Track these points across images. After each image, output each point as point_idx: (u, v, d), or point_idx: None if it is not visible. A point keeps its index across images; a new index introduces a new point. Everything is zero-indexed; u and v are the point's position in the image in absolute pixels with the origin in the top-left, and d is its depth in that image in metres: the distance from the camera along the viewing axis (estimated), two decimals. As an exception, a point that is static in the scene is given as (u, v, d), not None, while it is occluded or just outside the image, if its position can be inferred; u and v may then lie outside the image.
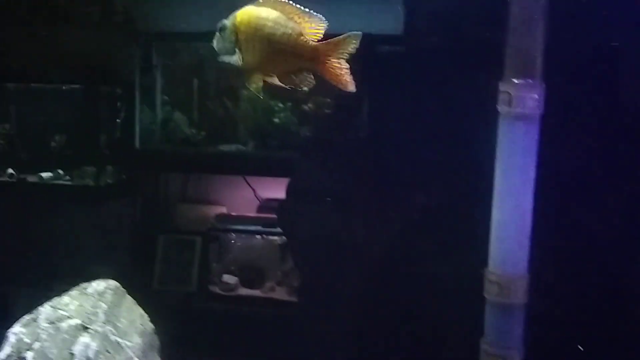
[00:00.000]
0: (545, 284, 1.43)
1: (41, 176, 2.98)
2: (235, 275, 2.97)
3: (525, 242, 1.39)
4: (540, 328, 1.43)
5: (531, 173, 1.37)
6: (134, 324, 1.50)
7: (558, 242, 1.58)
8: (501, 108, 1.39)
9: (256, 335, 2.67)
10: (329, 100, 2.79)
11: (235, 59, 1.18)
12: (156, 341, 1.54)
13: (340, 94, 1.97)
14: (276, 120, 2.97)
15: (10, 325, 2.88)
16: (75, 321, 1.42)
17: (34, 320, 1.42)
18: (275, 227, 2.90)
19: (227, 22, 1.18)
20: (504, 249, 1.40)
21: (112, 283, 1.52)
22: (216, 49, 1.21)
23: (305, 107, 2.94)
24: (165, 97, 3.13)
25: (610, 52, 1.58)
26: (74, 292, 1.49)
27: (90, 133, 3.02)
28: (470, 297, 1.47)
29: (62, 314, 1.42)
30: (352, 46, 1.13)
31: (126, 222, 3.09)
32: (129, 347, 1.45)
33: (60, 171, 3.01)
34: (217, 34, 1.19)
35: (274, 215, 2.86)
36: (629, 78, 1.56)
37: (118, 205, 3.07)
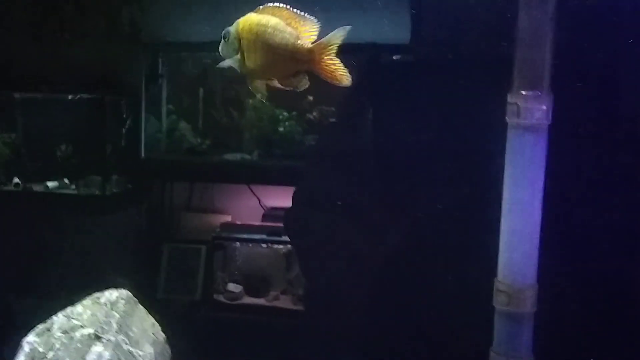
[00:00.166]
0: (554, 293, 1.45)
1: (47, 185, 2.99)
2: (240, 284, 2.99)
3: (534, 252, 1.40)
4: (549, 337, 1.44)
5: (540, 183, 1.39)
6: (146, 333, 1.51)
7: (567, 251, 1.59)
8: (509, 119, 1.41)
9: (261, 344, 2.68)
10: (333, 109, 2.82)
11: (238, 63, 1.23)
12: (167, 350, 1.56)
13: (348, 103, 2.01)
14: (281, 129, 2.99)
15: (14, 334, 2.90)
16: (89, 330, 1.43)
17: (48, 329, 1.43)
18: (279, 236, 2.92)
19: (231, 29, 1.23)
20: (513, 259, 1.41)
21: (125, 292, 1.54)
22: (221, 54, 1.26)
23: (310, 116, 2.96)
24: (171, 107, 3.15)
25: (618, 63, 1.60)
26: (87, 301, 1.50)
27: (96, 142, 3.03)
28: (479, 306, 1.49)
29: (75, 324, 1.43)
30: (340, 39, 1.17)
31: (131, 231, 3.11)
32: (141, 356, 1.46)
33: (66, 180, 3.03)
34: (222, 40, 1.25)
35: (278, 224, 2.88)
36: (637, 89, 1.58)
37: (123, 214, 3.09)
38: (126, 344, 1.45)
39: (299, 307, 2.86)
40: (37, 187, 3.00)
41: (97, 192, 2.98)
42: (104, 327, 1.44)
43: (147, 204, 3.14)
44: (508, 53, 1.44)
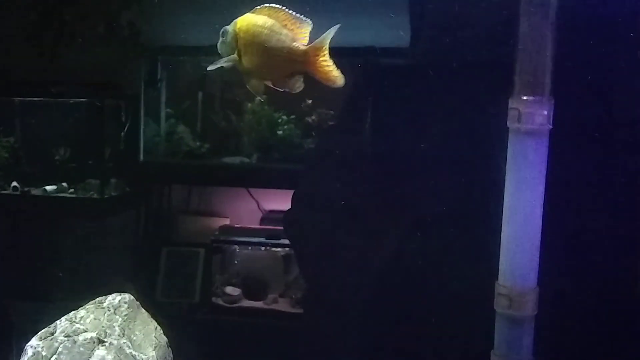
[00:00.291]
0: (555, 296, 1.46)
1: (45, 189, 3.00)
2: (239, 287, 3.00)
3: (535, 256, 1.41)
4: (550, 340, 1.45)
5: (541, 187, 1.40)
6: (148, 337, 1.51)
7: (568, 254, 1.60)
8: (511, 124, 1.42)
9: (259, 347, 2.69)
10: (332, 112, 2.83)
11: (235, 62, 1.25)
12: (170, 354, 1.56)
13: (348, 106, 2.02)
14: (280, 132, 3.00)
15: (11, 338, 2.90)
16: (92, 334, 1.43)
17: (51, 333, 1.43)
18: (278, 239, 2.93)
19: (229, 28, 1.26)
20: (514, 262, 1.42)
21: (128, 296, 1.54)
22: (220, 52, 1.28)
23: (309, 120, 2.98)
24: (170, 110, 3.16)
25: (619, 68, 1.61)
26: (90, 305, 1.50)
27: (95, 146, 3.04)
28: (480, 309, 1.50)
29: (78, 328, 1.44)
30: (330, 38, 1.19)
31: (130, 234, 3.11)
32: (143, 359, 1.46)
33: (65, 184, 3.03)
34: (220, 39, 1.27)
35: (277, 227, 2.89)
36: (638, 92, 1.59)
37: (122, 217, 3.10)
38: (129, 347, 1.45)
39: (298, 310, 2.87)
40: (35, 191, 3.01)
41: (95, 196, 2.99)
42: (107, 331, 1.45)
43: (146, 207, 3.15)
44: (508, 57, 1.44)
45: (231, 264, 3.04)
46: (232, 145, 3.09)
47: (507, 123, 1.43)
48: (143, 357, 1.46)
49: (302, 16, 1.23)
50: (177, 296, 3.03)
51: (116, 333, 1.45)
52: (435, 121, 1.76)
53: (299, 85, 1.26)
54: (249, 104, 3.02)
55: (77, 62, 2.90)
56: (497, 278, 1.45)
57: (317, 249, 2.08)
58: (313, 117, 2.98)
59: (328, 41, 1.20)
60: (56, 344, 1.41)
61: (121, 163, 3.04)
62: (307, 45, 1.21)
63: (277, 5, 1.23)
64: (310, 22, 1.22)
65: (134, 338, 1.48)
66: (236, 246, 3.02)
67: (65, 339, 1.42)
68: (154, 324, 1.55)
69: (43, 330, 1.45)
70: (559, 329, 1.56)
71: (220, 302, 2.97)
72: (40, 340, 1.42)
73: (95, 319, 1.46)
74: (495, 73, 1.48)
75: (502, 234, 1.43)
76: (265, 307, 2.94)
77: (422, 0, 1.78)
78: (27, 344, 1.42)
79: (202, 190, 3.15)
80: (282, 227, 2.69)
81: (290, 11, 1.22)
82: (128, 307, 1.51)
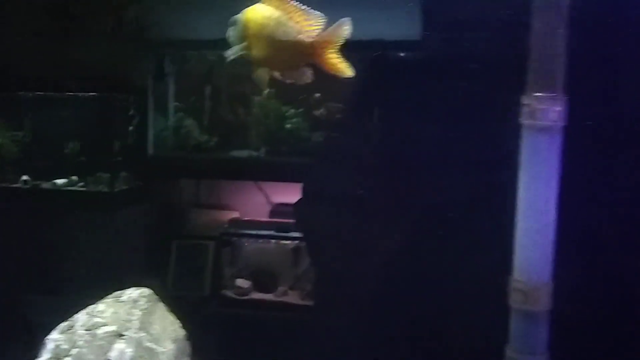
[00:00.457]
0: (569, 291, 1.47)
1: (55, 183, 3.01)
2: (249, 280, 3.01)
3: (549, 251, 1.43)
4: (565, 334, 1.47)
5: (554, 183, 1.42)
6: (166, 331, 1.54)
7: (581, 249, 1.62)
8: (524, 121, 1.43)
9: (269, 339, 2.71)
10: (341, 105, 2.84)
11: (245, 51, 1.29)
12: (188, 347, 1.58)
13: (358, 100, 2.03)
14: (288, 126, 3.00)
15: (23, 331, 2.92)
16: (111, 328, 1.46)
17: (71, 327, 1.46)
18: (287, 232, 2.94)
19: (239, 17, 1.30)
20: (528, 257, 1.44)
21: (146, 290, 1.57)
22: (230, 41, 1.32)
23: (317, 113, 2.98)
24: (178, 104, 3.17)
25: (633, 64, 1.62)
26: (109, 299, 1.53)
27: (104, 140, 3.05)
28: (495, 304, 1.51)
29: (98, 321, 1.46)
30: (345, 32, 1.20)
31: (140, 227, 3.13)
32: (162, 352, 1.49)
33: (75, 178, 3.04)
34: (230, 27, 1.31)
35: (286, 220, 2.91)
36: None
37: (132, 211, 3.11)
38: (148, 341, 1.48)
39: (308, 303, 2.88)
40: (45, 185, 3.02)
41: (105, 189, 3.00)
42: (126, 324, 1.47)
43: (155, 201, 3.16)
44: (522, 54, 1.46)
45: (241, 256, 3.04)
46: (241, 139, 3.09)
47: (521, 119, 1.45)
48: (162, 350, 1.49)
49: (311, 9, 1.24)
50: (187, 289, 3.04)
51: (135, 326, 1.48)
52: (447, 115, 1.77)
53: (306, 77, 1.28)
54: (257, 98, 3.02)
55: (86, 56, 2.91)
56: (511, 273, 1.47)
57: (328, 239, 2.09)
58: (321, 111, 2.98)
59: (336, 34, 1.21)
60: (76, 337, 1.44)
61: (130, 157, 3.05)
62: (314, 38, 1.22)
63: None
64: (322, 15, 1.23)
65: (153, 331, 1.50)
66: (246, 239, 3.03)
67: (85, 332, 1.45)
68: (171, 317, 1.58)
69: (63, 324, 1.47)
70: (573, 323, 1.57)
71: (230, 294, 2.98)
72: (61, 334, 1.45)
73: (114, 312, 1.49)
74: (508, 69, 1.49)
75: (516, 229, 1.45)
76: (276, 299, 2.95)
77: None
78: (48, 337, 1.45)
79: (211, 184, 3.17)
80: (291, 220, 2.71)
81: (298, 4, 1.24)
82: (147, 301, 1.54)
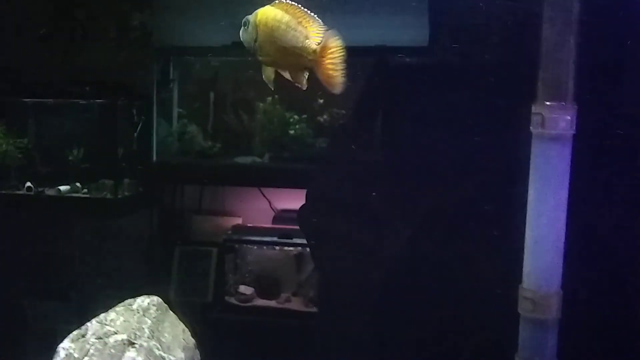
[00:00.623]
0: (578, 300, 1.48)
1: (59, 189, 3.01)
2: (252, 286, 3.02)
3: (559, 259, 1.44)
4: (574, 343, 1.47)
5: (564, 191, 1.42)
6: (177, 339, 1.54)
7: (591, 258, 1.63)
8: (534, 129, 1.44)
9: (272, 346, 2.71)
10: (344, 111, 2.85)
11: (254, 50, 1.31)
12: (197, 355, 1.58)
13: (365, 106, 2.03)
14: (292, 132, 3.01)
15: (27, 337, 2.92)
16: (122, 336, 1.46)
17: (83, 335, 1.45)
18: (290, 238, 2.95)
19: (250, 18, 1.31)
20: (538, 266, 1.44)
21: (156, 299, 1.56)
22: (242, 39, 1.33)
23: (321, 119, 2.99)
24: (182, 110, 3.18)
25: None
26: (119, 308, 1.53)
27: (108, 146, 3.05)
28: (504, 313, 1.52)
29: (109, 330, 1.46)
30: (336, 45, 1.22)
31: (143, 233, 3.13)
32: (172, 361, 1.49)
33: (78, 184, 3.04)
34: (242, 27, 1.32)
35: (289, 226, 2.91)
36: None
37: (135, 217, 3.11)
38: (158, 349, 1.47)
39: (310, 309, 2.88)
40: (49, 191, 3.02)
41: (109, 196, 3.00)
42: (137, 333, 1.47)
43: (159, 207, 3.16)
44: (531, 63, 1.46)
45: (244, 263, 3.05)
46: (244, 145, 3.10)
47: (531, 128, 1.45)
48: (172, 358, 1.49)
49: (315, 15, 1.26)
50: (190, 295, 3.04)
51: (146, 335, 1.48)
52: (457, 124, 1.78)
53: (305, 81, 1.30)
54: (261, 104, 3.03)
55: (90, 63, 2.92)
56: (520, 282, 1.47)
57: (332, 245, 2.10)
58: (325, 117, 2.99)
59: (336, 45, 1.23)
60: (87, 346, 1.44)
61: (134, 163, 3.06)
62: (318, 45, 1.24)
63: (294, 2, 1.26)
64: (322, 23, 1.26)
65: (163, 340, 1.50)
66: (249, 245, 3.03)
67: (97, 340, 1.44)
68: (182, 325, 1.58)
69: (74, 332, 1.47)
70: (583, 331, 1.58)
71: (233, 301, 2.98)
72: (72, 342, 1.45)
73: (125, 321, 1.49)
74: (518, 78, 1.50)
75: (526, 237, 1.45)
76: (278, 306, 2.95)
77: (444, 5, 1.80)
78: (59, 346, 1.45)
79: (214, 190, 3.17)
80: (294, 226, 2.71)
81: (305, 9, 1.26)
82: (157, 310, 1.54)
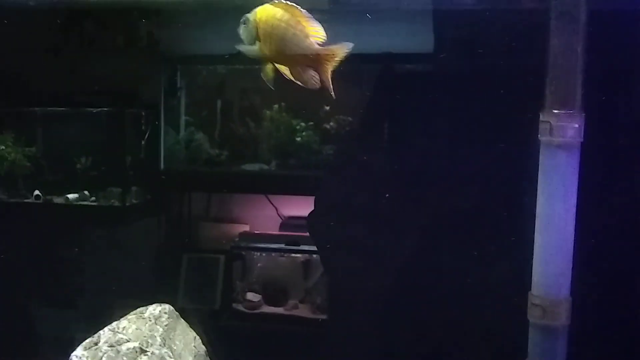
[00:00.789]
0: (587, 307, 1.49)
1: (67, 197, 3.03)
2: (259, 293, 3.02)
3: (568, 266, 1.44)
4: (583, 350, 1.48)
5: (572, 199, 1.43)
6: (188, 347, 1.55)
7: (600, 265, 1.63)
8: (542, 137, 1.45)
9: (280, 353, 2.71)
10: (350, 118, 2.86)
11: (255, 48, 1.32)
12: (208, 363, 1.60)
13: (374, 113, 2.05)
14: (298, 139, 3.02)
15: (38, 346, 2.93)
16: (134, 344, 1.47)
17: (95, 343, 1.47)
18: (298, 245, 2.95)
19: (249, 16, 1.32)
20: (547, 273, 1.45)
21: (167, 307, 1.58)
22: (241, 38, 1.34)
23: (327, 126, 3.00)
24: (189, 118, 3.20)
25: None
26: (131, 316, 1.54)
27: (116, 154, 3.07)
28: (513, 319, 1.52)
29: (121, 338, 1.48)
30: (343, 55, 1.24)
31: (151, 241, 3.14)
32: (184, 368, 1.50)
33: (86, 192, 3.06)
34: (242, 25, 1.33)
35: (296, 233, 2.92)
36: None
37: (143, 225, 3.13)
38: (170, 357, 1.49)
39: (318, 316, 2.89)
40: (57, 199, 3.04)
41: (117, 204, 3.01)
42: (149, 340, 1.49)
43: (167, 215, 3.18)
44: (539, 71, 1.47)
45: (251, 270, 3.06)
46: (251, 152, 3.11)
47: (539, 136, 1.46)
48: (184, 366, 1.50)
49: (313, 17, 1.28)
50: (197, 302, 3.05)
51: (157, 343, 1.49)
52: (465, 132, 1.79)
53: (314, 82, 1.31)
54: (267, 111, 3.05)
55: (98, 71, 2.94)
56: (530, 288, 1.48)
57: (341, 251, 2.11)
58: (331, 124, 3.00)
59: (339, 52, 1.24)
60: (100, 354, 1.45)
61: (142, 171, 3.07)
62: (321, 46, 1.26)
63: (292, 3, 1.28)
64: (322, 27, 1.27)
65: (175, 347, 1.52)
66: (256, 252, 3.04)
67: (109, 348, 1.46)
68: (193, 333, 1.60)
69: (87, 340, 1.49)
70: (592, 338, 1.58)
71: (241, 308, 2.99)
72: (85, 350, 1.46)
73: (137, 329, 1.50)
74: (526, 86, 1.51)
75: (535, 244, 1.46)
76: (286, 312, 2.96)
77: (449, 12, 1.81)
78: (72, 354, 1.46)
79: (221, 197, 3.18)
80: (301, 233, 2.73)
81: (303, 10, 1.28)
82: (168, 317, 1.55)
